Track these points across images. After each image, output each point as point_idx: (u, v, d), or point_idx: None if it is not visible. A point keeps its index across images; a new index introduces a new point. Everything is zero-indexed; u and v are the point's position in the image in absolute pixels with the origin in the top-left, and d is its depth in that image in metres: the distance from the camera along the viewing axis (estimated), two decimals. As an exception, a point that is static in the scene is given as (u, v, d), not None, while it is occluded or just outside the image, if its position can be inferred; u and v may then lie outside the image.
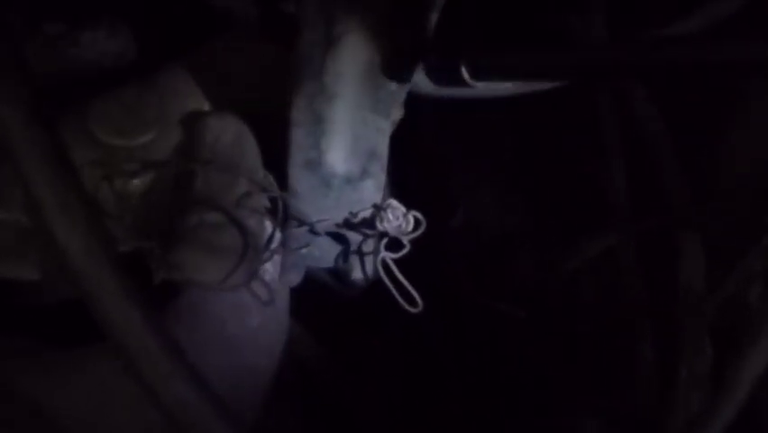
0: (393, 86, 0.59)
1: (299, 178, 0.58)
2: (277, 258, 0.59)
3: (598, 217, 0.85)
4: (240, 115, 0.60)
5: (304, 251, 0.60)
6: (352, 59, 0.57)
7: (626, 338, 0.81)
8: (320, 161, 0.58)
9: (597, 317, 0.86)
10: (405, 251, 0.58)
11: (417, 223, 0.57)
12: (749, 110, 0.81)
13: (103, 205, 0.55)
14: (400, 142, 0.63)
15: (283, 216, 0.58)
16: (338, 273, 0.63)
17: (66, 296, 0.55)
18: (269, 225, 0.58)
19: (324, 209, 0.59)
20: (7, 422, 0.52)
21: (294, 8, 0.62)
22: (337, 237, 0.61)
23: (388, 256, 0.58)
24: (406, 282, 0.57)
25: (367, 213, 0.59)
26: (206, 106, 0.62)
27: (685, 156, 0.82)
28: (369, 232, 0.59)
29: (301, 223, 0.59)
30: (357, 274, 0.61)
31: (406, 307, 0.56)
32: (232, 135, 0.59)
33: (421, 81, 0.62)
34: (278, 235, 0.58)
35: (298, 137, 0.57)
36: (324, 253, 0.61)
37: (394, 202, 0.58)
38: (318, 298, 0.67)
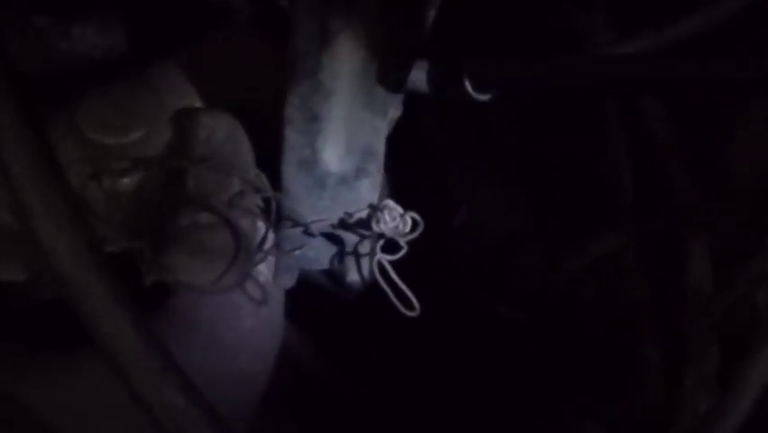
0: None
1: (293, 177, 0.57)
2: (270, 259, 0.58)
3: (602, 217, 0.85)
4: (233, 113, 0.59)
5: (298, 252, 0.59)
6: (347, 56, 0.56)
7: (628, 339, 0.81)
8: (314, 160, 0.57)
9: (599, 318, 0.85)
10: (402, 253, 0.56)
11: (415, 224, 0.56)
12: (749, 110, 0.81)
13: (91, 204, 0.55)
14: (400, 141, 0.62)
15: (276, 216, 0.57)
16: (333, 275, 0.62)
17: (54, 297, 0.54)
18: (262, 225, 0.57)
19: (318, 210, 0.58)
20: (7, 422, 0.52)
21: (288, 4, 0.61)
22: (332, 238, 0.60)
23: (385, 258, 0.57)
24: (402, 285, 0.56)
25: (363, 213, 0.58)
26: (199, 103, 0.62)
27: (690, 157, 0.81)
28: (365, 233, 0.58)
29: (295, 223, 0.58)
30: (353, 276, 0.61)
31: (403, 310, 0.55)
32: (224, 133, 0.58)
33: (420, 81, 0.61)
34: (271, 236, 0.58)
35: (292, 136, 0.56)
36: (319, 254, 0.61)
37: (391, 203, 0.57)
38: (314, 299, 0.66)
